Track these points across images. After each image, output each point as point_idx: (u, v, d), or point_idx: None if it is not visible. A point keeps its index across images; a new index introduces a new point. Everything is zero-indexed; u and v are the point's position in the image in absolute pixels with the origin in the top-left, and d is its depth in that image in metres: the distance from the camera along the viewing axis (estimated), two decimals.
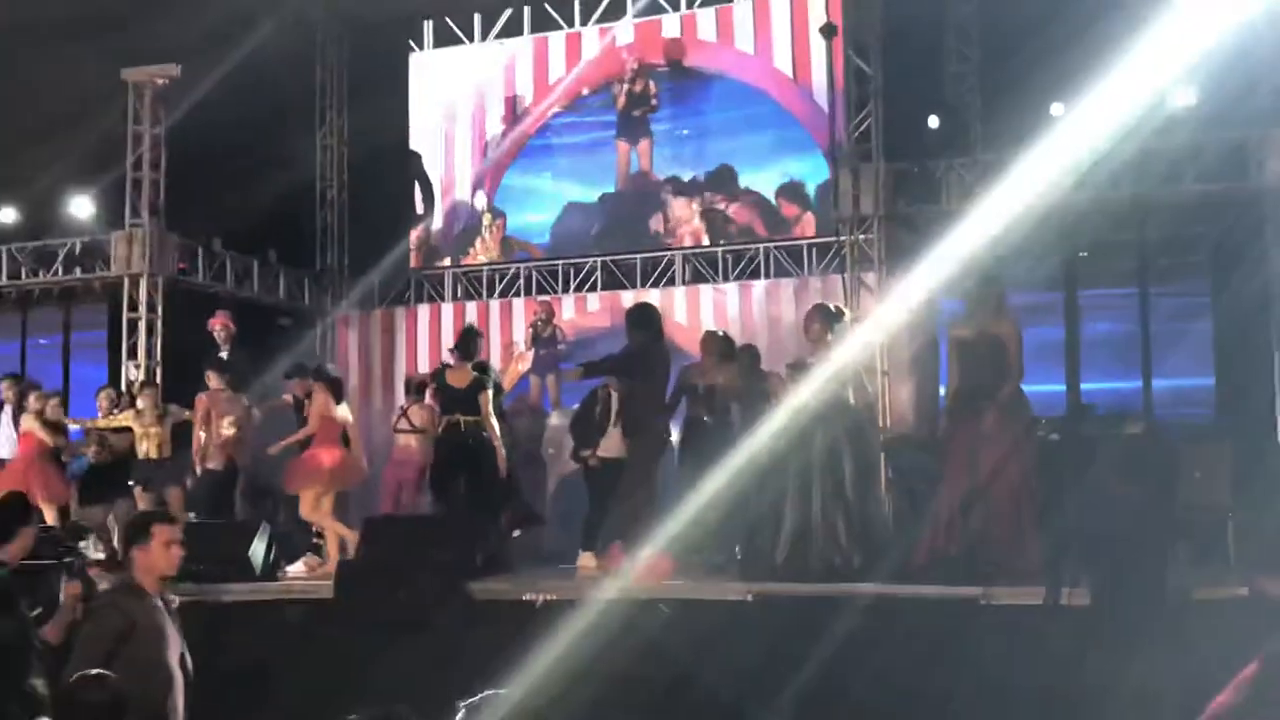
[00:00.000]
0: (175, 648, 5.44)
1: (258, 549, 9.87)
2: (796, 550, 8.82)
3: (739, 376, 10.43)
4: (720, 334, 11.08)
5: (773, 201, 15.34)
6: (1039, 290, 13.29)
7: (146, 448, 11.60)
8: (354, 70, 17.19)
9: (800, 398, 9.07)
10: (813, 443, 8.87)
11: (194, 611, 8.84)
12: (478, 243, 16.59)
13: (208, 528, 10.73)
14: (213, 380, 11.40)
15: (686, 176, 15.72)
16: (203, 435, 11.31)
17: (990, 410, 8.57)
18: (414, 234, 16.78)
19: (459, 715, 4.13)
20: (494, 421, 10.65)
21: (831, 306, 9.74)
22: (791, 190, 15.24)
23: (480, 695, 4.14)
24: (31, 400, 11.79)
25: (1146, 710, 5.39)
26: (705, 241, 15.54)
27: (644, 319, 10.25)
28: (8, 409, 12.58)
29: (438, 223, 16.85)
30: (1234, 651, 5.22)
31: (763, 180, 15.41)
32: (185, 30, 14.23)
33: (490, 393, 10.89)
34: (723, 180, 15.57)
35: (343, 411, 10.91)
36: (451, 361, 11.20)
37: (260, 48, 14.57)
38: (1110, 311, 13.63)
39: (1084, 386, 13.07)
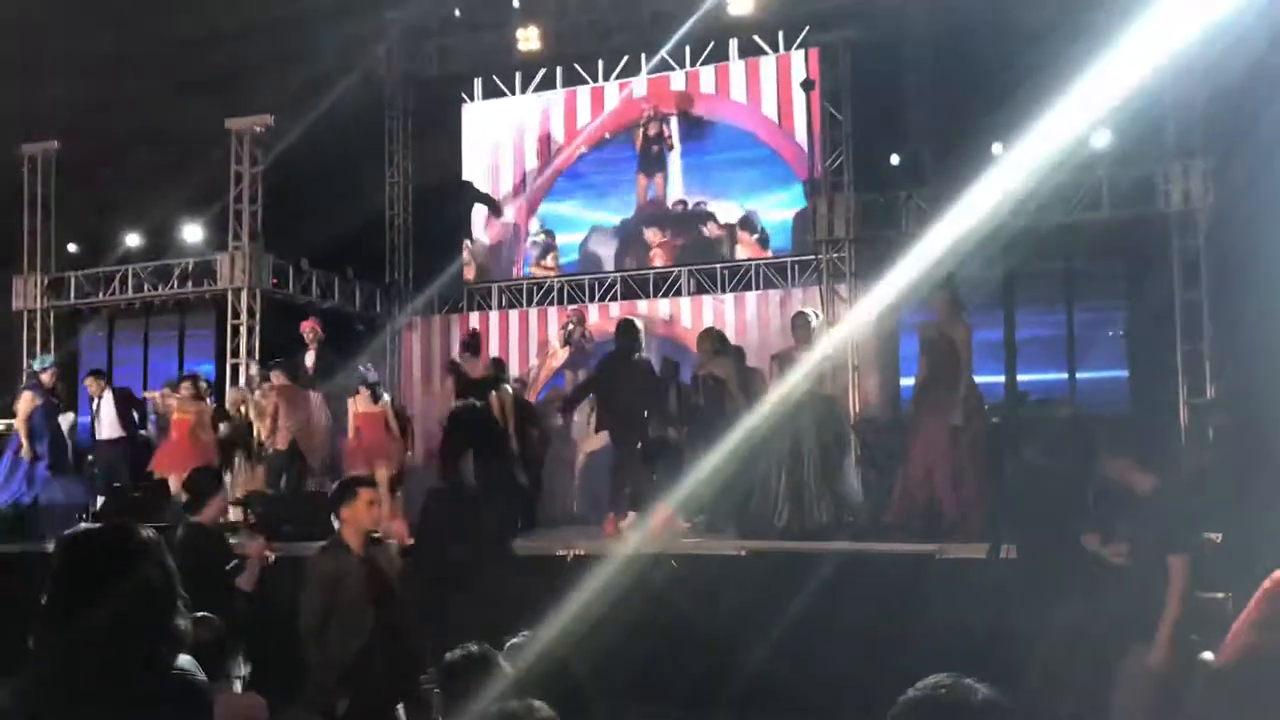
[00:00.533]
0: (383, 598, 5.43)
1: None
2: (793, 515, 8.91)
3: (730, 368, 10.45)
4: (714, 331, 11.07)
5: (736, 228, 15.54)
6: (983, 298, 13.34)
7: (259, 430, 11.72)
8: (416, 119, 17.29)
9: (785, 386, 9.15)
10: (798, 422, 8.94)
11: (283, 566, 9.03)
12: (549, 257, 16.66)
13: (295, 497, 10.84)
14: (278, 378, 11.45)
15: (691, 203, 15.81)
16: (270, 422, 11.41)
17: (950, 397, 8.65)
18: (467, 249, 16.89)
19: (504, 650, 4.16)
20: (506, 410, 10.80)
21: (810, 312, 9.83)
22: (747, 221, 15.50)
23: (521, 635, 4.18)
24: (184, 389, 11.81)
25: (1063, 642, 5.45)
26: (661, 262, 15.83)
27: (625, 331, 10.32)
28: (96, 400, 12.59)
29: (487, 239, 16.94)
30: (1130, 596, 5.31)
31: (734, 211, 15.60)
32: (277, 87, 14.36)
33: (508, 388, 11.01)
34: (697, 215, 15.77)
35: (380, 405, 10.99)
36: (461, 359, 11.34)
37: (339, 101, 14.68)
38: (1041, 316, 13.66)
39: (1020, 378, 13.12)
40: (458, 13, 16.68)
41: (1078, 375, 13.12)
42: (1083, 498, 8.86)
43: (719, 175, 15.77)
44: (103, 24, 15.21)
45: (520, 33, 16.07)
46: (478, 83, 17.06)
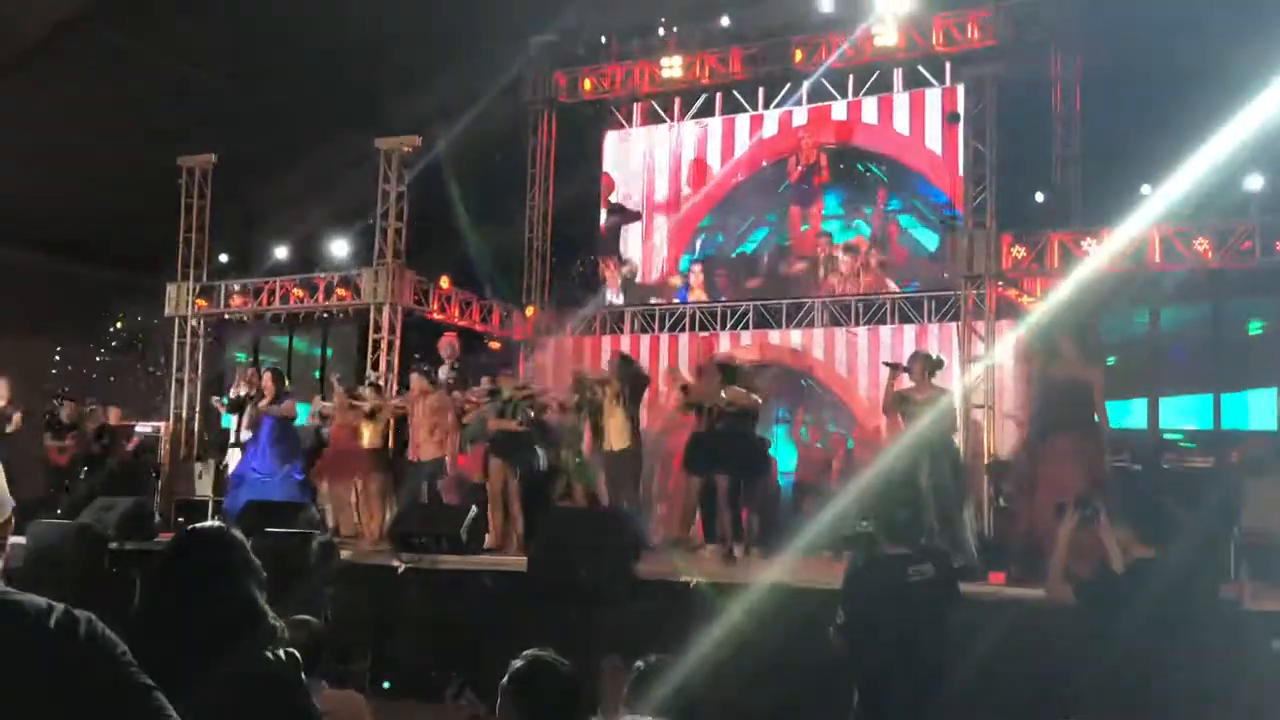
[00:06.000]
0: None
1: (467, 528, 10.06)
2: None
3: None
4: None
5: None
6: (1126, 344, 13.12)
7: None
8: (558, 143, 17.57)
9: (911, 426, 9.15)
10: (917, 461, 8.90)
11: (416, 575, 9.28)
12: (693, 288, 16.81)
13: (427, 507, 11.07)
14: (419, 383, 11.75)
15: (850, 239, 15.78)
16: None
17: (1086, 444, 8.50)
18: (612, 271, 17.13)
19: (634, 674, 4.20)
20: None
21: (932, 354, 9.81)
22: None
23: (649, 658, 4.21)
24: (338, 398, 12.12)
25: (1188, 697, 5.33)
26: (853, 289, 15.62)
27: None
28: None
29: (639, 265, 17.19)
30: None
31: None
32: (423, 108, 14.76)
33: None
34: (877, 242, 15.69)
35: None
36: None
37: (483, 124, 15.04)
38: (1188, 359, 13.33)
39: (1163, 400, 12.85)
40: (604, 39, 17.00)
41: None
42: (1223, 549, 8.68)
43: (872, 208, 15.73)
44: (260, 45, 15.88)
45: (665, 60, 16.30)
46: (636, 108, 17.35)
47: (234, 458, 12.61)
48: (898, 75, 15.68)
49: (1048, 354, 9.03)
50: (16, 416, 12.84)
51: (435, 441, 11.46)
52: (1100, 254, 11.95)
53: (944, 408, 9.26)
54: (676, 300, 16.69)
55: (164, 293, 16.08)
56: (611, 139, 17.49)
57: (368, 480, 11.58)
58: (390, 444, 12.10)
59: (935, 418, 9.07)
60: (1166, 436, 12.74)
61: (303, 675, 2.76)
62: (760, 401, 10.55)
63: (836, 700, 6.86)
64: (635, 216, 17.16)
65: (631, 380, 10.99)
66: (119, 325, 21.25)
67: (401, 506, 11.15)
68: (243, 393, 12.55)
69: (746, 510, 10.76)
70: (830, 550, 9.51)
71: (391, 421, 12.01)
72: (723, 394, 10.33)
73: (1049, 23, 14.25)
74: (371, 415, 11.76)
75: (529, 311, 17.10)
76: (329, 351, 17.47)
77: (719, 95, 16.78)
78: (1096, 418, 8.62)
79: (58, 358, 20.42)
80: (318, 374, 17.30)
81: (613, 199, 17.33)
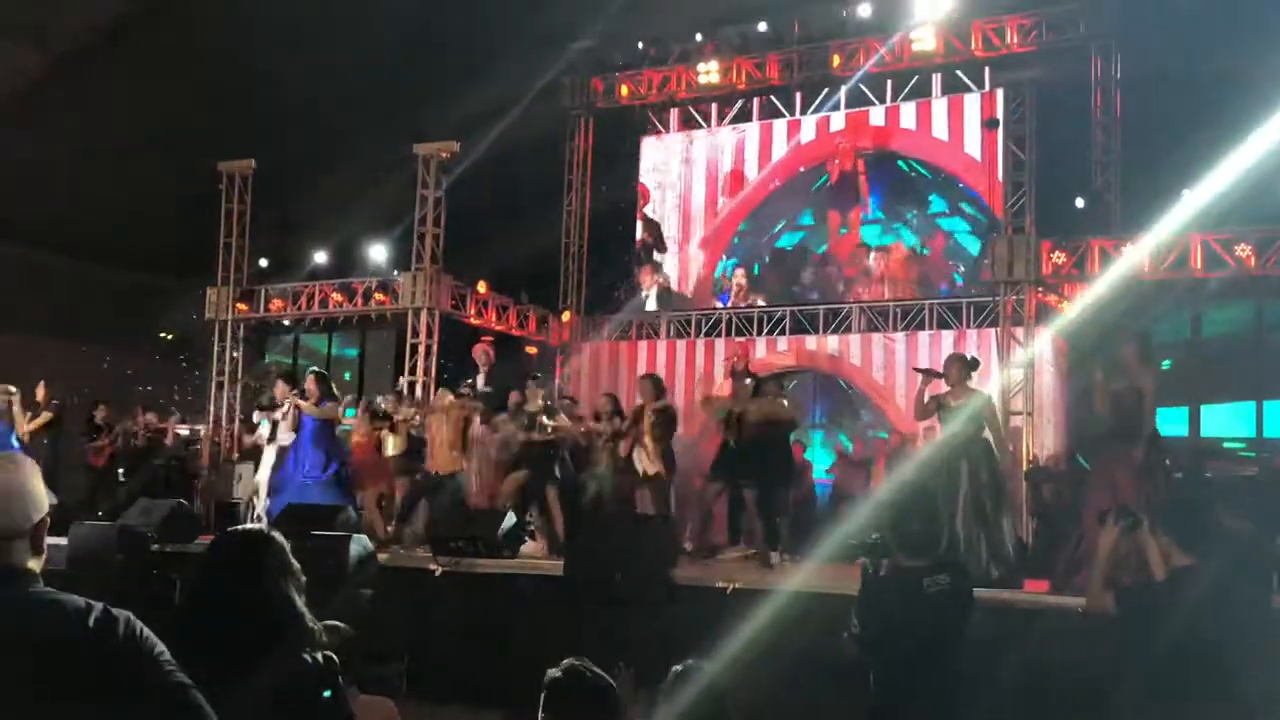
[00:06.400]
0: None
1: (503, 531, 10.06)
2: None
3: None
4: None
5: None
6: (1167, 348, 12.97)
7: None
8: (596, 149, 17.59)
9: (948, 432, 9.05)
10: (954, 467, 8.81)
11: (453, 579, 9.29)
12: (733, 290, 16.80)
13: (465, 513, 11.06)
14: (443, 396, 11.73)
15: (889, 243, 15.73)
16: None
17: (1133, 448, 8.41)
18: (648, 280, 17.12)
19: (670, 678, 4.20)
20: None
21: (968, 356, 9.68)
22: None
23: (687, 662, 4.20)
24: (360, 412, 12.19)
25: (1231, 708, 5.26)
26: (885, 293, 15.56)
27: None
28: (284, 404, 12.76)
29: (673, 272, 17.17)
30: None
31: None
32: (460, 114, 14.81)
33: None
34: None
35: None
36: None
37: (520, 129, 15.08)
38: (1230, 370, 13.17)
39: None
40: (641, 45, 17.01)
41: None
42: (1269, 557, 8.56)
43: (918, 212, 15.68)
44: (299, 51, 15.99)
45: (702, 66, 16.30)
46: (673, 114, 17.36)
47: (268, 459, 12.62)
48: (936, 80, 15.61)
49: (1108, 365, 8.92)
50: (44, 415, 12.94)
51: (453, 455, 11.43)
52: (1141, 260, 11.84)
53: (980, 411, 9.15)
54: (719, 304, 16.66)
55: (204, 297, 16.23)
56: (648, 144, 17.49)
57: (394, 488, 11.63)
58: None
59: (971, 422, 8.98)
60: (1226, 445, 12.64)
61: (340, 679, 2.77)
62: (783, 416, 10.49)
63: (860, 707, 6.84)
64: (664, 248, 17.17)
65: (662, 408, 11.07)
66: (167, 336, 21.43)
67: (431, 513, 11.19)
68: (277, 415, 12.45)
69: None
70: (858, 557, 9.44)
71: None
72: (751, 406, 10.32)
73: (1088, 27, 14.16)
74: (393, 428, 11.83)
75: (565, 316, 17.13)
76: (366, 355, 17.53)
77: (756, 101, 16.78)
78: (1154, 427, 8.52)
79: (107, 364, 20.59)
80: (348, 375, 17.37)
81: (648, 210, 17.32)
